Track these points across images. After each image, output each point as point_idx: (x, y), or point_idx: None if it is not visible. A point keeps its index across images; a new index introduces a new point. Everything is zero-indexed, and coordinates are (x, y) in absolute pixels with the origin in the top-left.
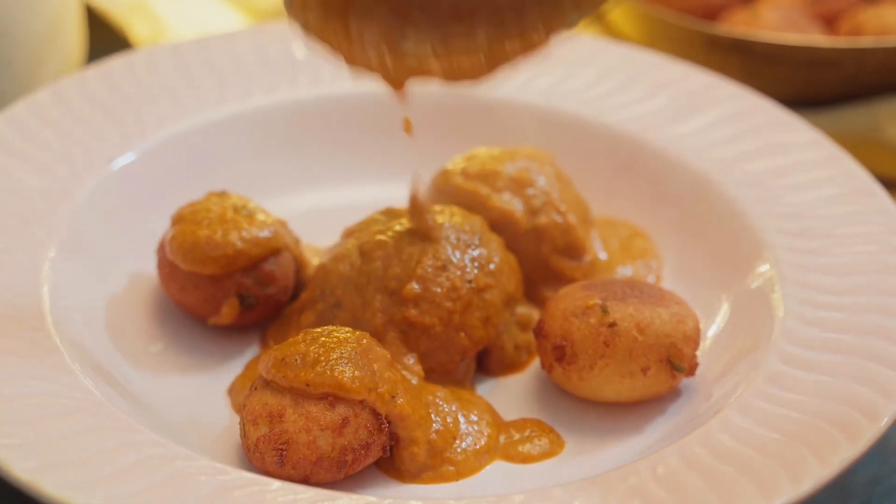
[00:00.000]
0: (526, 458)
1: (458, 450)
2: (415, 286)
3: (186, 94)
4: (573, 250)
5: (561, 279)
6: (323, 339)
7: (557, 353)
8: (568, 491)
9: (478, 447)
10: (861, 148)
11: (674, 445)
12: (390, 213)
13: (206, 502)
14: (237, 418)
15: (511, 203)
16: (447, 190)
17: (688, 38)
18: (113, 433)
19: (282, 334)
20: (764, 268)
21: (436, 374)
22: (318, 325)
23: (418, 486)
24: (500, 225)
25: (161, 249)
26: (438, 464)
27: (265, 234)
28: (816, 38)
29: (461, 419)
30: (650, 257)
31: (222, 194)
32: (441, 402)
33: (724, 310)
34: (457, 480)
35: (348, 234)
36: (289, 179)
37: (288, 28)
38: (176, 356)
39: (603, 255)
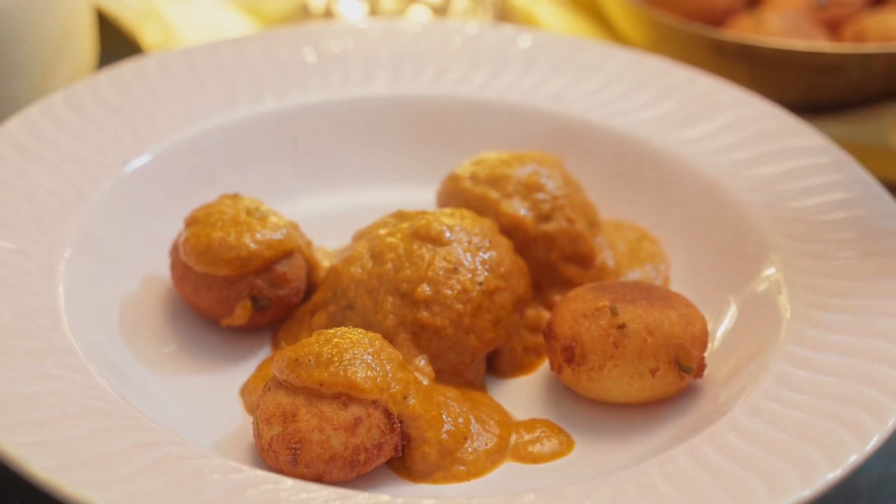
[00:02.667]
0: (536, 459)
1: (469, 450)
2: (426, 288)
3: (198, 97)
4: (582, 258)
5: (570, 284)
6: (336, 339)
7: (567, 355)
8: (579, 490)
9: (488, 447)
10: (866, 153)
11: (683, 445)
12: (401, 216)
13: (221, 500)
14: (250, 418)
15: (520, 209)
16: (456, 194)
17: (694, 43)
18: (129, 432)
19: (293, 335)
20: (771, 271)
21: (446, 374)
22: (330, 327)
23: (430, 485)
24: (509, 231)
25: (174, 251)
26: (449, 464)
27: (278, 236)
28: (821, 44)
29: (472, 420)
30: (658, 261)
31: (235, 197)
32: (452, 403)
33: (731, 312)
34: (468, 480)
35: (359, 236)
36: (300, 182)
37: (297, 32)
38: (189, 357)
39: (611, 261)
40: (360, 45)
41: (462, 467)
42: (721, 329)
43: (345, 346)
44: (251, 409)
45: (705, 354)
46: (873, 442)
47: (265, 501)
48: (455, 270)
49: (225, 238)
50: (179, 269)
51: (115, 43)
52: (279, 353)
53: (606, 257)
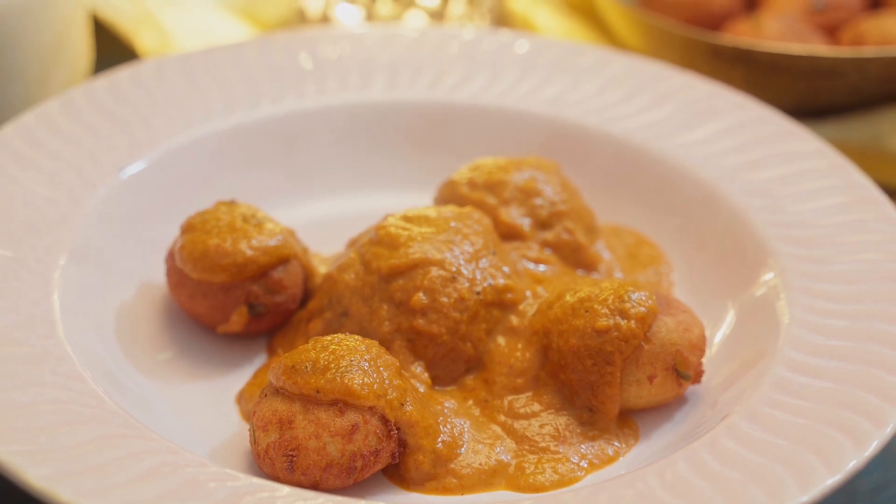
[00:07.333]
0: (538, 488)
1: (464, 464)
2: (422, 297)
3: (194, 103)
4: (585, 267)
5: None
6: (333, 346)
7: None
8: (576, 497)
9: (484, 467)
10: (864, 157)
11: (681, 452)
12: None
13: None
14: (246, 425)
15: (518, 216)
16: (453, 200)
17: (692, 47)
18: (125, 440)
19: (289, 342)
20: (769, 276)
21: (441, 382)
22: (326, 334)
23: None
24: (507, 238)
25: (170, 258)
26: (443, 474)
27: (274, 242)
28: (819, 48)
29: (472, 434)
30: (659, 264)
31: (231, 203)
32: (450, 413)
33: (729, 317)
34: (460, 494)
35: (351, 243)
36: (297, 188)
37: (294, 38)
38: (185, 364)
39: (618, 272)
40: (357, 50)
41: (454, 480)
42: (719, 334)
43: (341, 353)
44: (247, 416)
45: (703, 360)
46: (872, 447)
47: None
48: (453, 279)
49: (221, 244)
50: (175, 275)
51: (112, 49)
52: (276, 360)
53: (610, 265)
